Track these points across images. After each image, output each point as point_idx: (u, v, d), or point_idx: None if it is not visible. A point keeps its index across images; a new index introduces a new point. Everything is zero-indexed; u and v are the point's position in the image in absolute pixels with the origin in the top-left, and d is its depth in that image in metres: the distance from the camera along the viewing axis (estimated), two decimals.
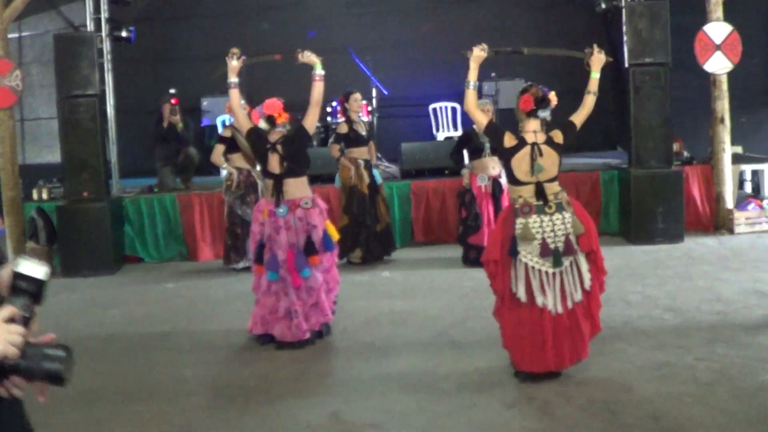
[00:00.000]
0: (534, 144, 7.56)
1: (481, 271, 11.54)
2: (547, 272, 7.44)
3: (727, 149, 14.62)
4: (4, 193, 14.50)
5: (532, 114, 7.65)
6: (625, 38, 14.32)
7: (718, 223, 14.66)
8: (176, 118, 15.01)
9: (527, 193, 7.56)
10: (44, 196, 14.79)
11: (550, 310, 7.46)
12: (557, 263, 7.50)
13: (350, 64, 16.89)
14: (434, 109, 18.35)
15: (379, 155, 16.42)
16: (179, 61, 18.56)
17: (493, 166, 12.38)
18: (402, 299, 10.90)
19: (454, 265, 12.77)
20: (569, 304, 7.49)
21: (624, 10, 14.35)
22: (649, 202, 13.88)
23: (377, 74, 16.85)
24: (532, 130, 7.64)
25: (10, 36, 15.53)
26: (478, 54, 7.81)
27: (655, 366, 7.88)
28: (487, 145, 12.32)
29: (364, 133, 13.09)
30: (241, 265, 13.06)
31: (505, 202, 12.29)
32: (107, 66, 15.04)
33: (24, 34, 19.27)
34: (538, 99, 7.61)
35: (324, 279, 9.20)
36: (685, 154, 15.27)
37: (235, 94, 9.35)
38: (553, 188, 7.60)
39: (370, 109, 16.85)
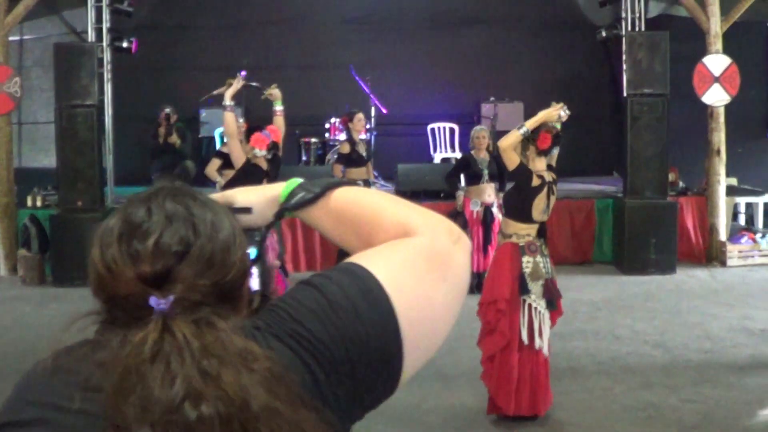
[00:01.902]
0: (550, 183, 7.54)
1: (471, 298, 11.62)
2: (543, 313, 7.44)
3: (722, 181, 14.63)
4: None
5: (545, 152, 7.53)
6: (624, 68, 14.35)
7: (711, 255, 14.67)
8: (173, 137, 14.98)
9: (532, 232, 7.52)
10: (38, 203, 14.72)
11: (544, 352, 7.48)
12: (551, 305, 7.52)
13: (349, 82, 16.87)
14: (432, 130, 18.30)
15: (376, 173, 16.39)
16: (179, 71, 18.49)
17: (489, 194, 12.34)
18: None
19: None
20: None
21: (624, 40, 14.38)
22: (643, 233, 13.89)
23: (376, 92, 16.82)
24: (545, 168, 7.57)
25: (11, 39, 15.50)
26: (552, 113, 7.52)
27: (640, 407, 7.88)
28: (486, 172, 12.30)
29: (364, 153, 13.06)
30: None
31: (495, 231, 12.29)
32: (107, 76, 14.99)
33: (26, 37, 19.18)
34: (554, 136, 7.48)
35: None
36: (681, 184, 15.28)
37: (231, 118, 9.20)
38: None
39: (368, 127, 16.79)
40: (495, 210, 12.30)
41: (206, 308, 1.55)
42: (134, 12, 15.67)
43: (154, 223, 1.57)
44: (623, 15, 14.79)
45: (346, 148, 12.94)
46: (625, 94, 14.35)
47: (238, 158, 9.20)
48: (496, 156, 13.11)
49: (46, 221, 14.15)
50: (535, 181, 7.42)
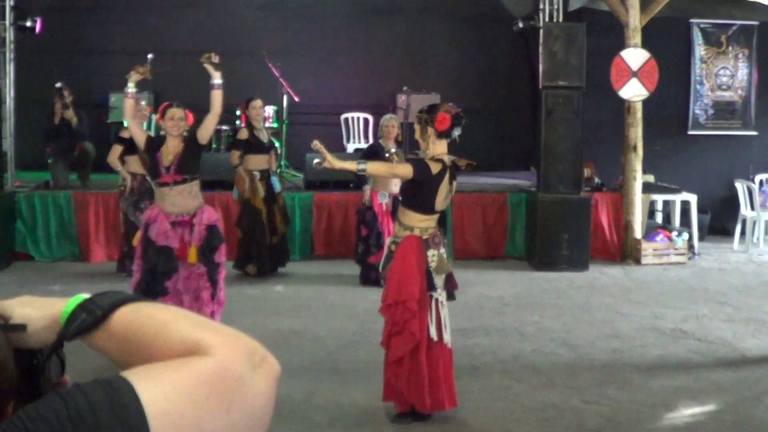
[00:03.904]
0: (451, 167, 7.07)
1: (376, 291, 11.27)
2: (446, 305, 7.09)
3: (638, 178, 14.39)
4: None
5: (445, 134, 7.02)
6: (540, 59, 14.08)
7: (626, 252, 14.43)
8: (69, 113, 14.41)
9: (433, 223, 7.10)
10: None
11: (449, 345, 7.13)
12: (451, 296, 7.19)
13: (262, 69, 16.43)
14: (346, 119, 17.96)
15: (287, 163, 16.04)
16: (87, 54, 18.00)
17: (396, 183, 11.97)
18: (290, 317, 10.45)
19: (350, 283, 12.35)
20: None
21: (541, 31, 14.08)
22: (555, 228, 13.63)
23: (289, 80, 16.41)
24: (445, 152, 7.07)
25: None
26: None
27: (540, 407, 7.53)
28: (393, 161, 11.95)
29: (265, 140, 12.69)
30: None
31: None
32: (9, 56, 14.49)
33: None
34: (453, 116, 6.99)
35: None
36: (596, 180, 15.07)
37: (130, 104, 8.88)
38: None
39: (282, 116, 16.49)
40: None
41: None
42: None
43: None
44: (541, 6, 14.47)
45: (244, 134, 12.57)
46: (540, 87, 14.03)
47: (141, 139, 8.98)
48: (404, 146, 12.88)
49: None
50: (435, 168, 6.94)
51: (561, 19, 14.39)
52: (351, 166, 7.07)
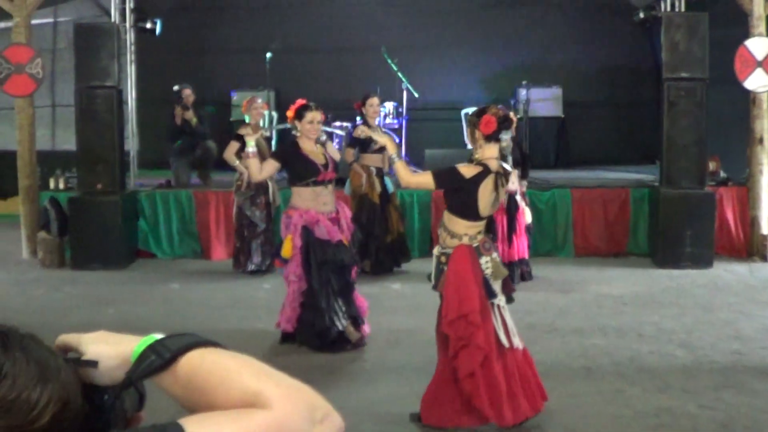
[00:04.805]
0: (498, 173, 6.81)
1: None
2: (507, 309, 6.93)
3: (765, 171, 13.96)
4: (20, 180, 14.42)
5: (492, 138, 6.79)
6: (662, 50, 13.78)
7: (752, 249, 14.00)
8: (189, 113, 14.64)
9: (480, 229, 6.89)
10: (60, 185, 14.59)
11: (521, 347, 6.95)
12: (510, 298, 7.06)
13: (382, 64, 16.44)
14: (466, 114, 17.83)
15: (407, 158, 16.00)
16: (208, 53, 18.30)
17: (512, 181, 11.75)
18: (405, 316, 10.37)
19: None
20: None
21: (662, 21, 13.79)
22: (678, 224, 13.30)
23: (408, 76, 16.37)
24: (494, 156, 6.86)
25: (43, 21, 15.44)
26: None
27: (654, 412, 7.31)
28: (510, 158, 11.77)
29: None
30: (251, 267, 12.73)
31: (521, 221, 11.77)
32: (130, 57, 14.79)
33: (59, 19, 19.10)
34: (500, 119, 6.78)
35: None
36: (722, 174, 14.65)
37: (255, 164, 9.00)
38: None
39: (400, 110, 16.47)
40: (519, 198, 11.78)
41: None
42: None
43: None
44: None
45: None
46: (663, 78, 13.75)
47: (275, 167, 9.20)
48: (519, 142, 12.70)
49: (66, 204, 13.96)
50: (469, 171, 6.72)
51: (683, 9, 14.10)
52: (392, 150, 7.10)
